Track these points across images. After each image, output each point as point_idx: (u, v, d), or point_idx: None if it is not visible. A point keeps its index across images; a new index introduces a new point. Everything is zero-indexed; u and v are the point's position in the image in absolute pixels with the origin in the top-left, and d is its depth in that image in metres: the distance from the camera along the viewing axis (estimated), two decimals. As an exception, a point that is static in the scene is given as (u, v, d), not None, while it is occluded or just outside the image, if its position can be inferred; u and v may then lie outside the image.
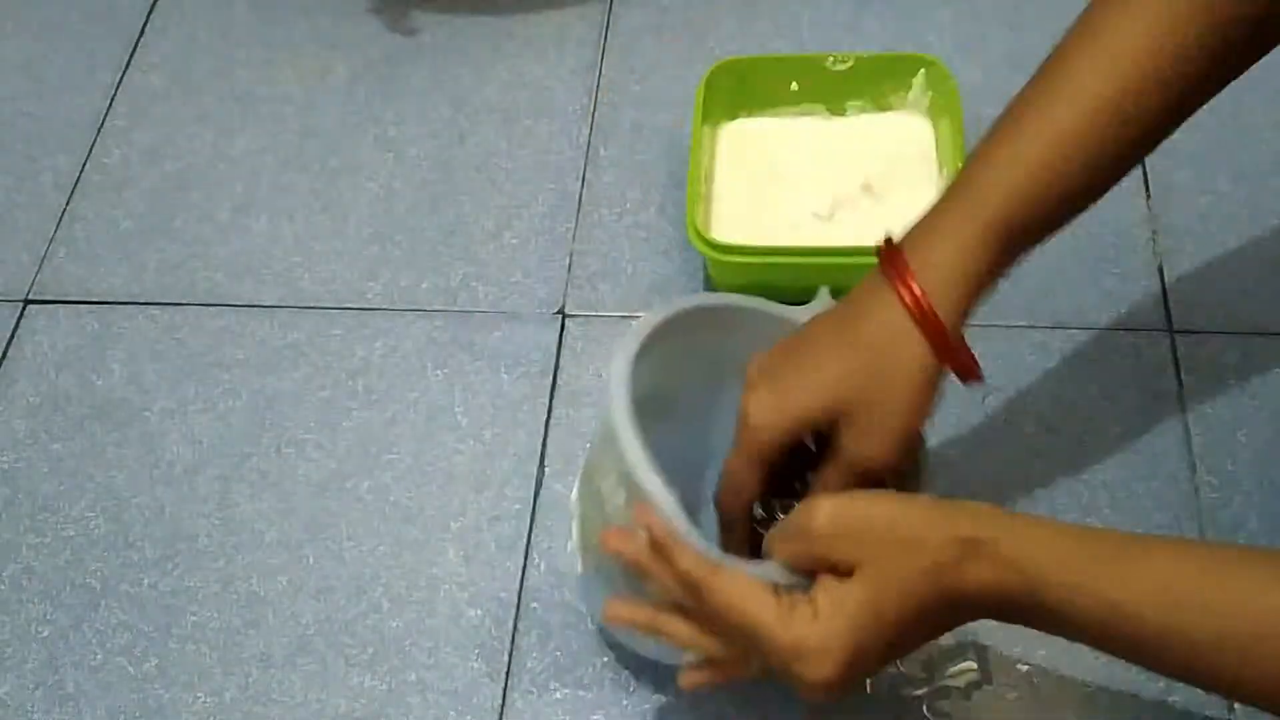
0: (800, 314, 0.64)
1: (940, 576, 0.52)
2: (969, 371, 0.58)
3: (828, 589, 0.53)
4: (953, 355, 0.57)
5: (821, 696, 0.53)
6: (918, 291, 0.56)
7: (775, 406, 0.58)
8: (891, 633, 0.53)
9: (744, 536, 0.63)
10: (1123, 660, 0.52)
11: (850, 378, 0.57)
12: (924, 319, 0.56)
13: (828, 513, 0.53)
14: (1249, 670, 0.47)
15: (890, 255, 0.58)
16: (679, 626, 0.56)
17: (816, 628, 0.52)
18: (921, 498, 0.55)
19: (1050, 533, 0.52)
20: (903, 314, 0.56)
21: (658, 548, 0.54)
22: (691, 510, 0.57)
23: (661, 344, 0.61)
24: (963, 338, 0.58)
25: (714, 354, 0.66)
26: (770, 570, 0.54)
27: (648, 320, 0.61)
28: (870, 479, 0.58)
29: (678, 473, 0.57)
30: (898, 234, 0.59)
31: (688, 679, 0.59)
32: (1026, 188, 0.56)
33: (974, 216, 0.56)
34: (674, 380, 0.65)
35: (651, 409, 0.59)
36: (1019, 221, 0.56)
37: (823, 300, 0.65)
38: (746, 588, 0.53)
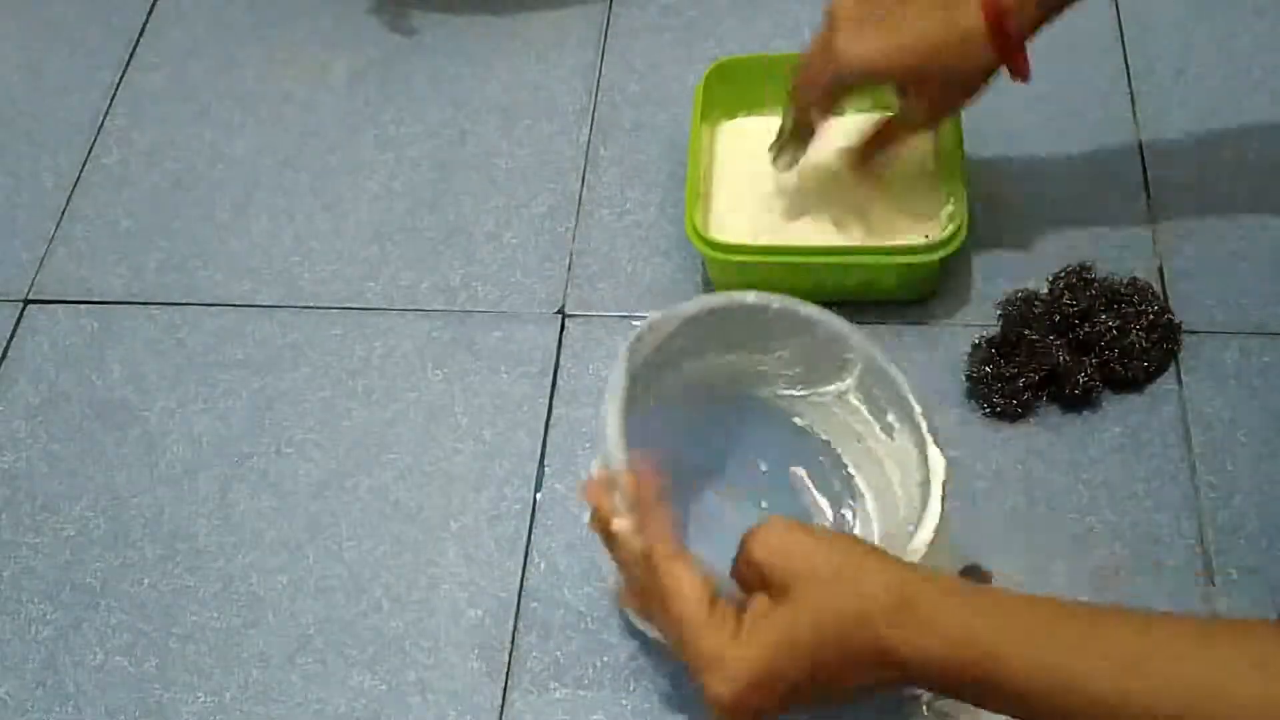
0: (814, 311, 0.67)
1: (865, 625, 0.51)
2: (1023, 75, 0.70)
3: (755, 610, 0.53)
4: (1013, 60, 0.69)
5: (720, 714, 0.53)
6: (991, 6, 0.66)
7: (864, 48, 0.69)
8: (805, 669, 0.52)
9: (801, 139, 0.78)
10: None
11: (928, 55, 0.69)
12: (997, 30, 0.67)
13: (775, 534, 0.54)
14: None
15: None
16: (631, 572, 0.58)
17: (731, 646, 0.52)
18: (878, 550, 0.55)
19: (997, 601, 0.51)
20: (979, 14, 0.67)
21: (636, 507, 0.55)
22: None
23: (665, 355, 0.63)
24: (1023, 44, 0.68)
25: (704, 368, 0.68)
26: (723, 581, 0.55)
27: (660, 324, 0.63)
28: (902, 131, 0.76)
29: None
30: None
31: (623, 598, 0.61)
32: None
33: None
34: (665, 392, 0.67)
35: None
36: None
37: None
38: (689, 583, 0.54)
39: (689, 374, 0.69)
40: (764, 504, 0.72)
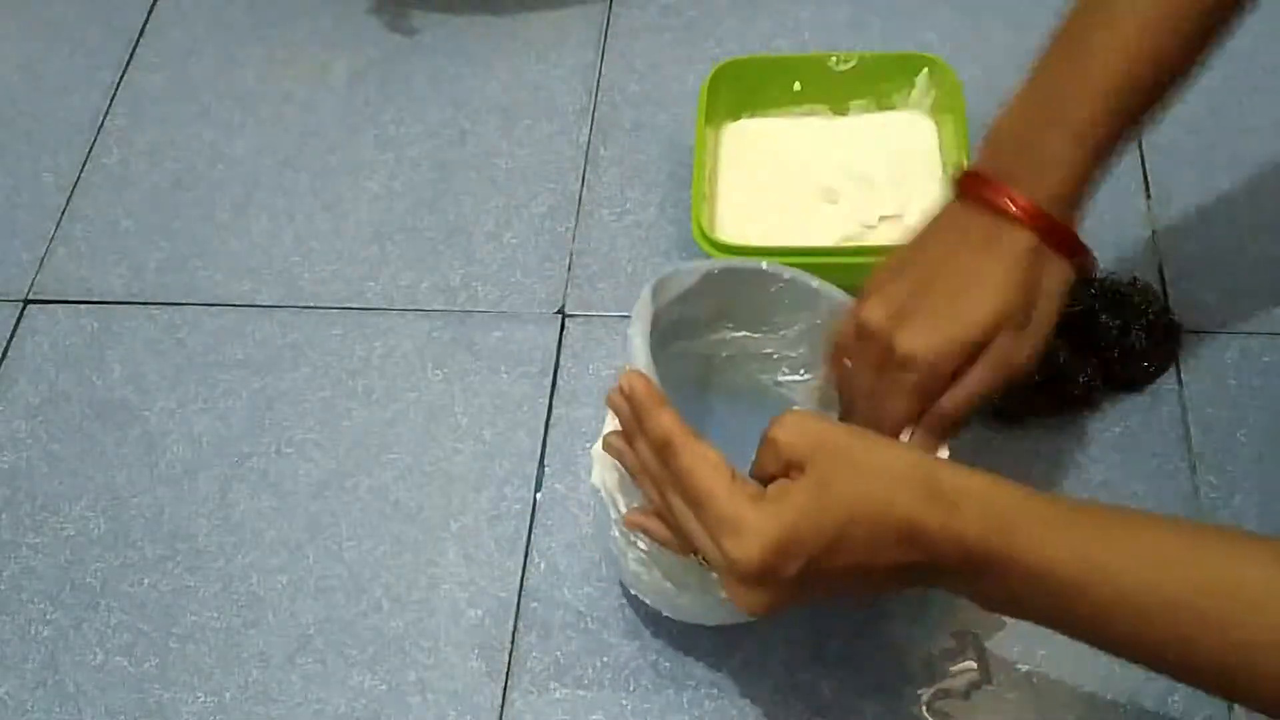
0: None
1: (893, 503, 0.50)
2: (1090, 268, 0.63)
3: (778, 483, 0.52)
4: (1081, 259, 0.61)
5: (745, 588, 0.51)
6: (1032, 213, 0.59)
7: (941, 336, 0.59)
8: (828, 539, 0.50)
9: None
10: (1087, 640, 0.51)
11: (1005, 301, 0.59)
12: (1055, 235, 0.59)
13: (796, 418, 0.54)
14: (1230, 639, 0.46)
15: (983, 185, 0.60)
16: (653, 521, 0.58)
17: (757, 508, 0.51)
18: (899, 443, 0.55)
19: (1024, 490, 0.51)
20: (1031, 237, 0.59)
21: (644, 404, 0.55)
22: None
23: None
24: (1076, 233, 0.61)
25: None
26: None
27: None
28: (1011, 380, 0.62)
29: None
30: (979, 164, 0.62)
31: (631, 518, 0.60)
32: (1125, 71, 0.59)
33: (1065, 121, 0.60)
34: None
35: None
36: (1123, 107, 0.60)
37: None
38: (708, 459, 0.53)
39: (690, 355, 0.69)
40: None
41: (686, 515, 0.54)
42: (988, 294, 0.59)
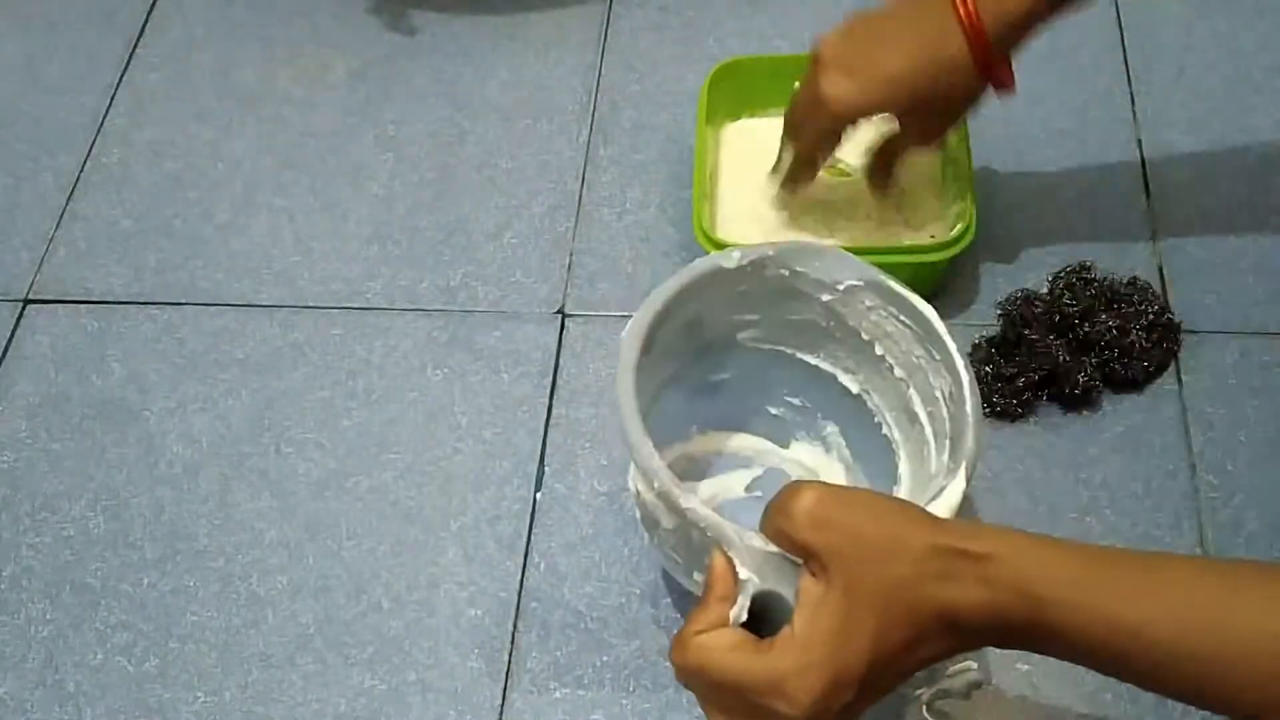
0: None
1: (923, 589, 0.48)
2: (1008, 89, 0.71)
3: (804, 605, 0.50)
4: (995, 74, 0.69)
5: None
6: (974, 16, 0.67)
7: (851, 90, 0.71)
8: (867, 648, 0.49)
9: (804, 172, 0.78)
10: (1128, 683, 0.49)
11: (914, 83, 0.70)
12: (977, 44, 0.68)
13: (811, 497, 0.50)
14: (1269, 695, 0.46)
15: None
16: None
17: (792, 652, 0.49)
18: (912, 504, 0.52)
19: (1050, 549, 0.49)
20: (959, 33, 0.68)
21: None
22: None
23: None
24: (1008, 57, 0.69)
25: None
26: (755, 540, 0.52)
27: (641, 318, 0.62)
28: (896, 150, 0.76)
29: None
30: None
31: None
32: None
33: None
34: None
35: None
36: None
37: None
38: (716, 639, 0.51)
39: (701, 325, 0.69)
40: (791, 446, 0.74)
41: (733, 710, 0.51)
42: (898, 76, 0.70)
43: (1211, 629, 0.46)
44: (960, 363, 0.61)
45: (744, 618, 0.51)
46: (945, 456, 0.62)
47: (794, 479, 0.56)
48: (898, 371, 0.66)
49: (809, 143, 0.76)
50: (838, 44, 0.72)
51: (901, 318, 0.64)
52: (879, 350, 0.67)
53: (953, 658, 0.53)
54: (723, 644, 0.50)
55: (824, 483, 0.53)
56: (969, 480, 0.59)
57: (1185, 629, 0.47)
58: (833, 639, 0.49)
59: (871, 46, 0.71)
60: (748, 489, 0.74)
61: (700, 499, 0.55)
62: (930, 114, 0.73)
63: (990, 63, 0.69)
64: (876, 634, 0.49)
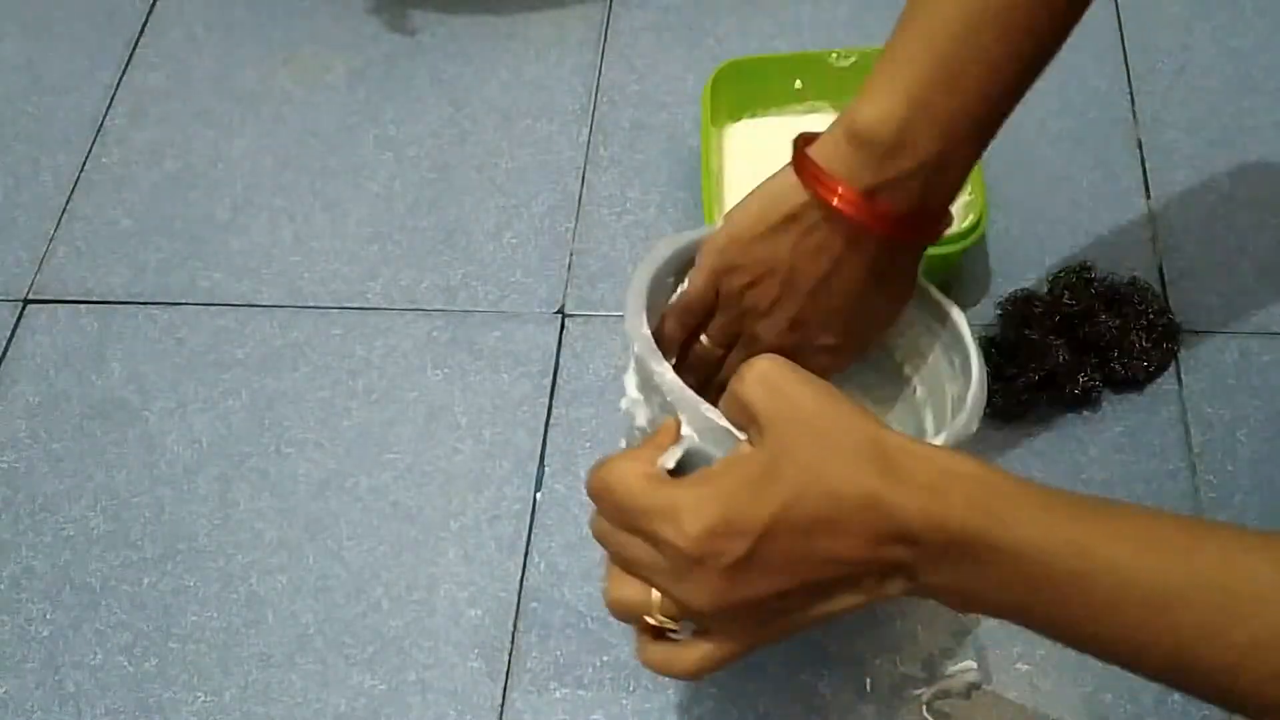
0: None
1: (852, 471, 0.45)
2: (932, 237, 0.59)
3: (725, 459, 0.48)
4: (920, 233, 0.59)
5: (683, 583, 0.47)
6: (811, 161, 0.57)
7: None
8: (773, 512, 0.45)
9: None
10: (1075, 641, 0.45)
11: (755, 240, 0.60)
12: (807, 173, 0.57)
13: (768, 363, 0.49)
14: (1233, 638, 0.42)
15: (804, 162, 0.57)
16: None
17: (693, 489, 0.47)
18: (861, 406, 0.49)
19: (1012, 478, 0.46)
20: (797, 179, 0.58)
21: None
22: None
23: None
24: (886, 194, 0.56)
25: None
26: (709, 410, 0.52)
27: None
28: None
29: None
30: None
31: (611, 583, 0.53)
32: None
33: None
34: None
35: None
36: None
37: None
38: (632, 465, 0.49)
39: None
40: None
41: (632, 544, 0.49)
42: (740, 232, 0.60)
43: (1202, 572, 0.42)
44: (976, 370, 0.61)
45: (670, 465, 0.51)
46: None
47: None
48: (919, 393, 0.66)
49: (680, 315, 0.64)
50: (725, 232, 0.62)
51: (933, 324, 0.65)
52: (907, 371, 0.67)
53: (888, 593, 0.47)
54: (636, 470, 0.49)
55: (775, 357, 0.50)
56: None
57: (1159, 567, 0.43)
58: (740, 486, 0.46)
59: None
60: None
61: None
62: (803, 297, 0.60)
63: (819, 183, 0.56)
64: (789, 498, 0.45)
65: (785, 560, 0.46)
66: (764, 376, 0.49)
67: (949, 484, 0.45)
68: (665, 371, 0.55)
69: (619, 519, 0.50)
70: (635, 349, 0.57)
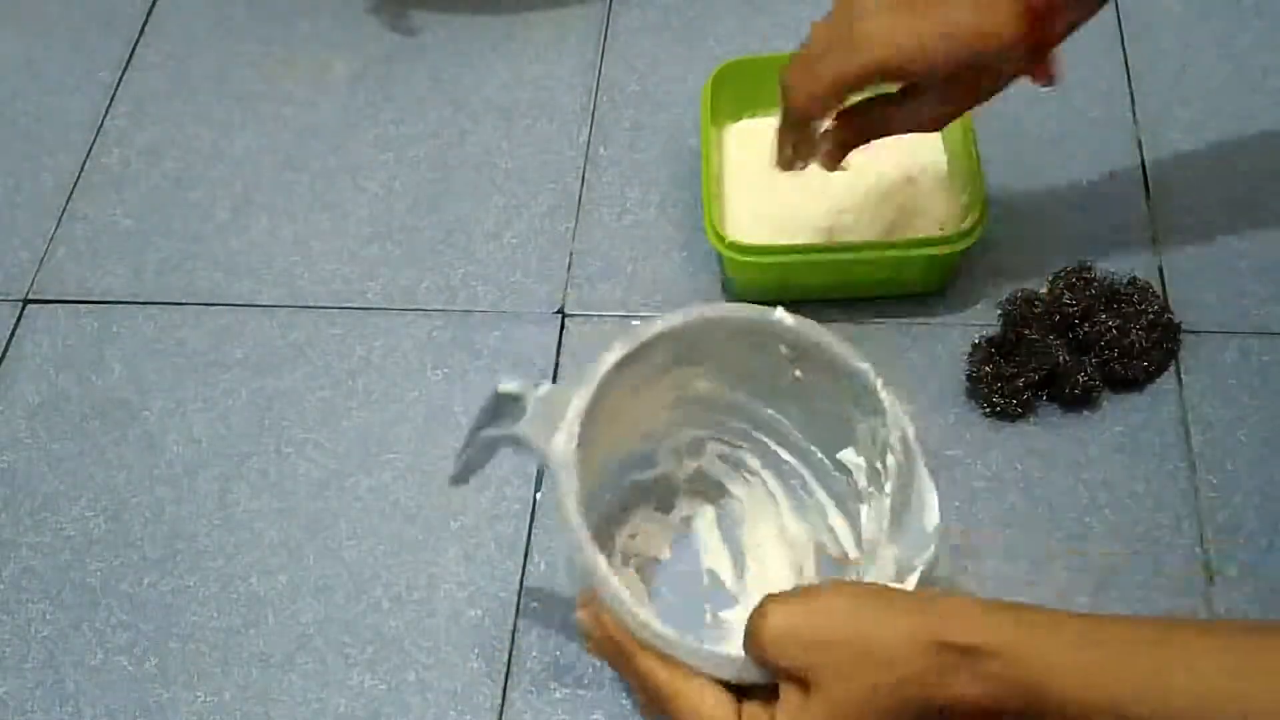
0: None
1: (912, 692, 0.46)
2: (1049, 80, 0.63)
3: (785, 712, 0.48)
4: (1043, 57, 0.62)
5: None
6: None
7: (900, 33, 0.61)
8: None
9: (805, 140, 0.69)
10: None
11: (966, 50, 0.60)
12: (1035, 30, 0.60)
13: (777, 616, 0.48)
14: None
15: None
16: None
17: None
18: (887, 592, 0.49)
19: (1046, 633, 0.46)
20: (1017, 11, 0.60)
21: (621, 649, 0.52)
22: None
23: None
24: (1057, 46, 0.62)
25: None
26: (740, 667, 0.51)
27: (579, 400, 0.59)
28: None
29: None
30: None
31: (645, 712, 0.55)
32: None
33: None
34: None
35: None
36: None
37: None
38: (706, 707, 0.50)
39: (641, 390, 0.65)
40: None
41: None
42: (960, 36, 0.60)
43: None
44: (905, 419, 0.58)
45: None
46: (885, 503, 0.59)
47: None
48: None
49: (812, 97, 0.65)
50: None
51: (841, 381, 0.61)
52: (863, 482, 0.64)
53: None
54: (697, 703, 0.50)
55: (788, 596, 0.49)
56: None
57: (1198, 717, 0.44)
58: None
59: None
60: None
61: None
62: (964, 89, 0.64)
63: (1041, 43, 0.61)
64: None
65: None
66: (781, 637, 0.48)
67: (994, 671, 0.46)
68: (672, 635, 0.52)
69: None
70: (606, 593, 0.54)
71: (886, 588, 0.51)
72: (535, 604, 0.72)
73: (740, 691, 0.51)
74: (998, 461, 0.75)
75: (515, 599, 0.73)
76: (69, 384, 0.83)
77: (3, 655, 0.73)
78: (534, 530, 0.75)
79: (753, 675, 0.50)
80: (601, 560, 0.54)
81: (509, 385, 0.59)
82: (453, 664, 0.71)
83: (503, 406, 0.59)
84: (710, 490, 0.73)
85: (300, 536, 0.76)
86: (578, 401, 0.58)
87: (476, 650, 0.71)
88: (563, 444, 0.57)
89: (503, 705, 0.69)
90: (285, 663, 0.72)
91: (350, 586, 0.74)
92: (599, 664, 0.70)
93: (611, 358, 0.59)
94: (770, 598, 0.49)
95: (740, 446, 0.70)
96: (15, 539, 0.77)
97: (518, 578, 0.73)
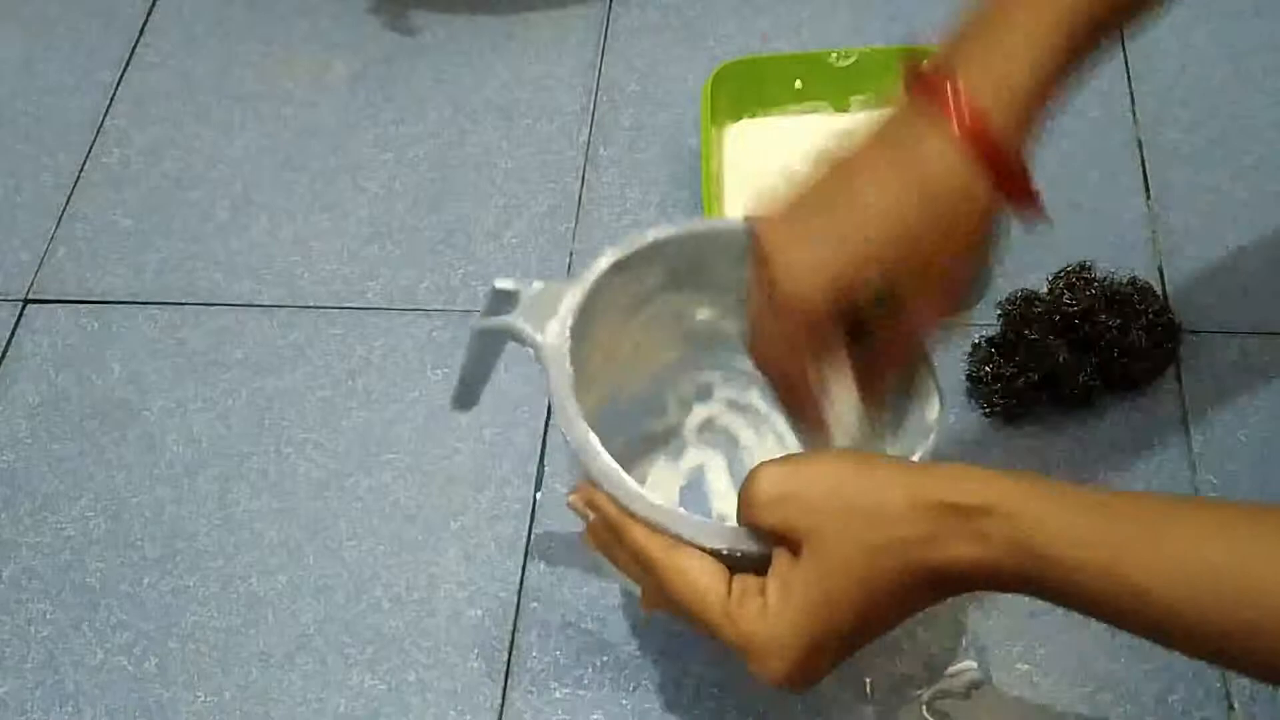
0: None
1: (908, 553, 0.45)
2: (1029, 203, 0.51)
3: (777, 575, 0.48)
4: (1012, 184, 0.50)
5: (780, 688, 0.48)
6: (971, 117, 0.49)
7: (810, 266, 0.50)
8: (850, 620, 0.47)
9: (807, 391, 0.54)
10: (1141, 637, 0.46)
11: (902, 227, 0.49)
12: (980, 146, 0.49)
13: (769, 479, 0.48)
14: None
15: (927, 77, 0.51)
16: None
17: (764, 625, 0.47)
18: (884, 458, 0.48)
19: (1048, 500, 0.45)
20: (950, 141, 0.49)
21: (611, 525, 0.53)
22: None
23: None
24: (1025, 165, 0.50)
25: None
26: (732, 536, 0.51)
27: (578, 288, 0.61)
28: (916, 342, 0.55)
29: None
30: (932, 58, 0.52)
31: (645, 603, 0.55)
32: None
33: (1038, 8, 0.49)
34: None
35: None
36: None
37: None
38: (697, 576, 0.49)
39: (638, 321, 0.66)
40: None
41: (691, 624, 0.51)
42: (885, 220, 0.50)
43: (1228, 591, 0.42)
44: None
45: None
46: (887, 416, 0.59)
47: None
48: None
49: (793, 369, 0.54)
50: (780, 220, 0.53)
51: None
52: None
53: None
54: (701, 577, 0.49)
55: (782, 460, 0.49)
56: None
57: (1198, 591, 0.43)
58: (808, 615, 0.47)
59: (828, 201, 0.52)
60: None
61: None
62: (934, 270, 0.52)
63: (1003, 168, 0.50)
64: (860, 605, 0.47)
65: (868, 640, 0.49)
66: (772, 496, 0.48)
67: (990, 530, 0.45)
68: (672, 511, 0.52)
69: (684, 615, 0.51)
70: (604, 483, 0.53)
71: (883, 454, 0.50)
72: (535, 604, 0.72)
73: (734, 570, 0.51)
74: (998, 461, 0.75)
75: (515, 599, 0.73)
76: (69, 384, 0.83)
77: (3, 655, 0.73)
78: (534, 530, 0.75)
79: (745, 544, 0.50)
80: (593, 437, 0.54)
81: (505, 282, 0.60)
82: (453, 664, 0.71)
83: (499, 304, 0.61)
84: (719, 438, 0.72)
85: (300, 536, 0.76)
86: (569, 298, 0.59)
87: (476, 650, 0.71)
88: (555, 333, 0.58)
89: (503, 705, 0.69)
90: (285, 663, 0.72)
91: (350, 586, 0.74)
92: (599, 664, 0.70)
93: (604, 262, 0.61)
94: (764, 463, 0.49)
95: (749, 389, 0.71)
96: (15, 539, 0.77)
97: (518, 578, 0.73)
